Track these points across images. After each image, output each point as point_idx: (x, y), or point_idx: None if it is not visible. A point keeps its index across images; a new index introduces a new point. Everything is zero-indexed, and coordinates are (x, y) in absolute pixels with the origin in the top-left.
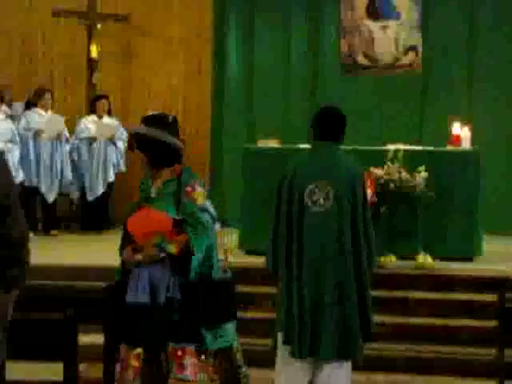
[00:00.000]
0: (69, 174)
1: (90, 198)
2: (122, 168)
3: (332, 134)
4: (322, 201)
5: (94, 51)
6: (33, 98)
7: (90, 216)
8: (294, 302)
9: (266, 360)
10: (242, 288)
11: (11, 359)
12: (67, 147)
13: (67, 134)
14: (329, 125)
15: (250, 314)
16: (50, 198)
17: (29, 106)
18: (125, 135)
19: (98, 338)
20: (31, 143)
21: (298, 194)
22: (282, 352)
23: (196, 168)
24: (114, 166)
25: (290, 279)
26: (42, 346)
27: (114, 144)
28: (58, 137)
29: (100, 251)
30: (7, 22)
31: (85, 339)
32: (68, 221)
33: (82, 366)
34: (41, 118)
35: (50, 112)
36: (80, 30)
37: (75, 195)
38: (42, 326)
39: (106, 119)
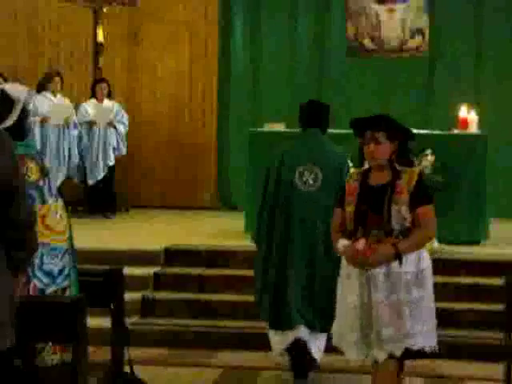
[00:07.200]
0: (76, 159)
1: (90, 181)
2: (123, 151)
3: (317, 122)
4: (311, 181)
5: (100, 35)
6: (42, 80)
7: (95, 200)
8: (269, 276)
9: None
10: (248, 272)
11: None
12: (75, 132)
13: (76, 120)
14: (314, 113)
15: None
16: (57, 181)
17: (38, 89)
18: (125, 118)
19: (102, 322)
20: (37, 129)
21: (287, 176)
22: None
23: (202, 151)
24: (114, 149)
25: (269, 253)
26: (50, 328)
27: (115, 127)
28: (66, 120)
29: (105, 235)
30: (14, 5)
31: (89, 322)
32: (75, 204)
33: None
34: (50, 102)
35: (59, 95)
36: (86, 13)
37: (76, 179)
38: (50, 308)
39: (106, 103)
